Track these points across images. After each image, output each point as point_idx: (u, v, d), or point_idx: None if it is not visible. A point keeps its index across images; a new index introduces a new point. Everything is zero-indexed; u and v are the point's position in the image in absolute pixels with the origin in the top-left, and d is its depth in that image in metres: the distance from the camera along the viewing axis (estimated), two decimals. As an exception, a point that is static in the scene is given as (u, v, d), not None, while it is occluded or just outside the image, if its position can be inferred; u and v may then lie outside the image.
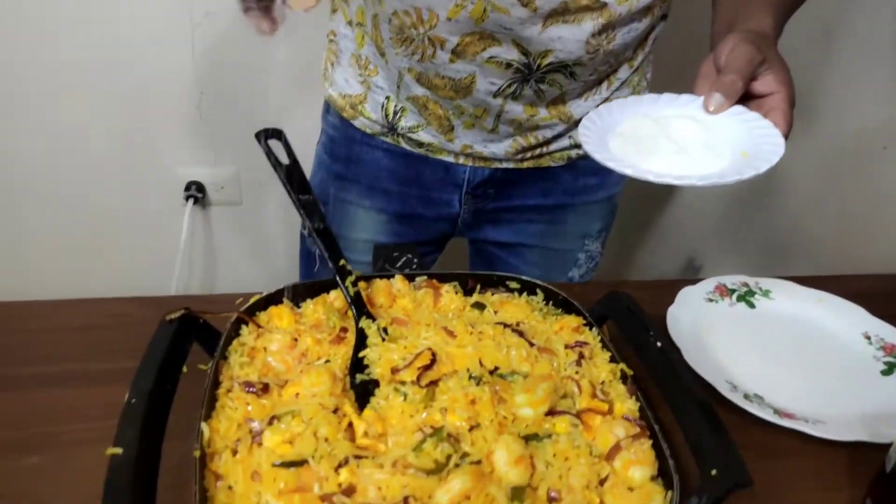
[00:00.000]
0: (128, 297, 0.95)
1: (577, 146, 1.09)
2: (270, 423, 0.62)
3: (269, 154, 0.75)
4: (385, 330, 0.74)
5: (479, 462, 0.59)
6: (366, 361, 0.70)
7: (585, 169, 1.15)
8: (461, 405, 0.63)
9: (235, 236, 1.94)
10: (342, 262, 0.77)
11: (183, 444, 0.61)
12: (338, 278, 0.76)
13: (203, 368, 0.73)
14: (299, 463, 0.58)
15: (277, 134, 0.77)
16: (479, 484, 0.56)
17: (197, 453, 0.59)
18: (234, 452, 0.60)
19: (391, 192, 1.14)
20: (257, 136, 0.76)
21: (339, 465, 0.58)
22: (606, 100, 1.04)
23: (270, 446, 0.60)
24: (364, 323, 0.74)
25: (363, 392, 0.67)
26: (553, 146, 1.09)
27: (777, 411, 0.82)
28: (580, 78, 0.97)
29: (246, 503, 0.57)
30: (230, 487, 0.58)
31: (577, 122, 1.04)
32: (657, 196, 2.07)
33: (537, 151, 1.09)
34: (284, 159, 0.78)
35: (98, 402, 0.76)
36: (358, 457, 0.59)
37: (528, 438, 0.62)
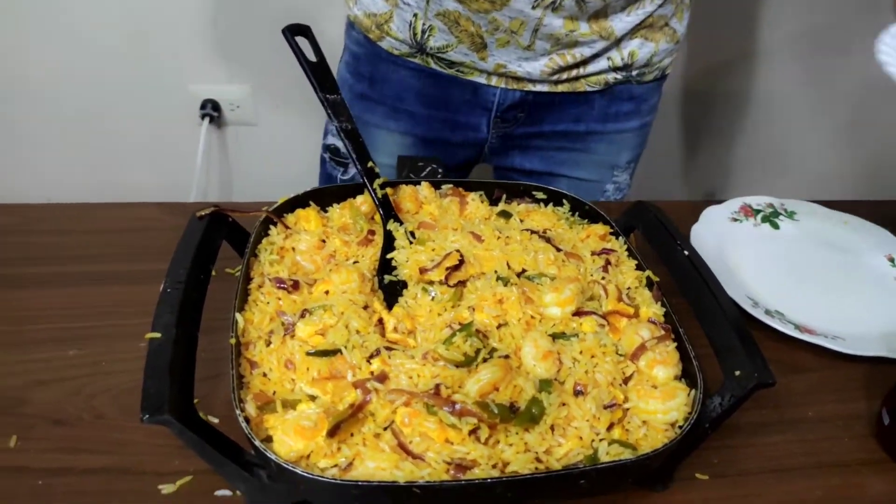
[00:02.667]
0: (154, 202, 0.96)
1: (616, 69, 1.04)
2: (302, 315, 0.63)
3: (296, 50, 0.74)
4: (412, 234, 0.74)
5: (507, 357, 0.60)
6: (393, 263, 0.71)
7: (621, 94, 1.08)
8: (489, 304, 0.64)
9: (251, 156, 1.93)
10: (370, 163, 0.77)
11: (217, 338, 0.63)
12: (365, 180, 0.76)
13: (231, 272, 0.75)
14: (332, 352, 0.60)
15: (305, 30, 0.76)
16: (507, 375, 0.57)
17: (233, 341, 0.60)
18: (268, 343, 0.62)
19: (416, 115, 1.10)
20: (284, 31, 0.74)
21: (371, 356, 0.59)
22: (649, 15, 0.99)
23: (303, 337, 0.62)
24: (392, 226, 0.74)
25: (391, 292, 0.68)
26: (590, 67, 1.03)
27: (798, 327, 0.83)
28: None
29: (280, 389, 0.59)
30: (265, 374, 0.60)
31: (618, 41, 1.00)
32: (681, 129, 2.03)
33: (574, 73, 1.03)
34: (311, 57, 0.76)
35: (133, 299, 0.79)
36: (389, 349, 0.60)
37: (555, 337, 0.63)
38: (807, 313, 0.87)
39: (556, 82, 1.05)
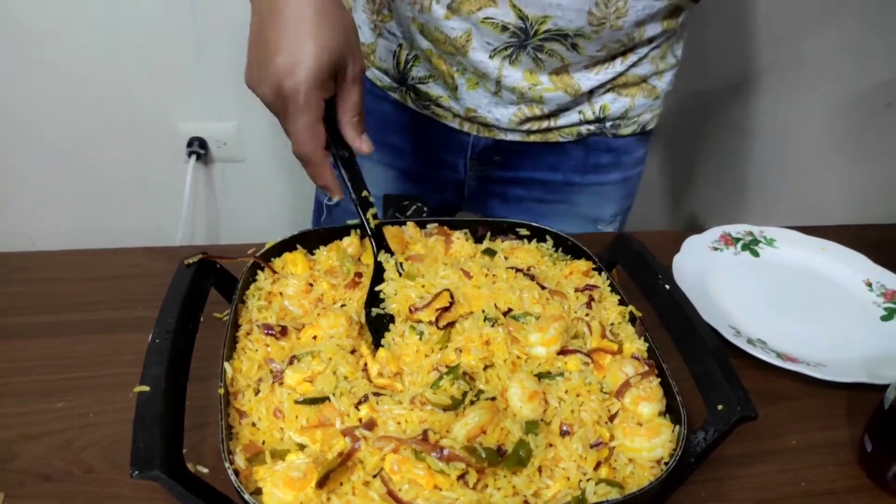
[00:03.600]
0: (141, 247, 0.97)
1: (588, 122, 1.01)
2: (291, 363, 0.64)
3: None
4: (401, 265, 0.75)
5: (493, 399, 0.61)
6: (382, 295, 0.72)
7: (597, 146, 1.05)
8: (476, 345, 0.65)
9: (239, 193, 1.94)
10: (364, 192, 0.77)
11: (205, 385, 0.63)
12: (359, 209, 0.76)
13: (219, 317, 0.75)
14: (321, 400, 0.60)
15: None
16: (494, 418, 0.58)
17: (221, 391, 0.61)
18: (256, 392, 0.62)
19: (399, 148, 1.12)
20: None
21: (359, 402, 0.60)
22: (621, 74, 0.97)
23: (292, 384, 0.62)
24: (382, 257, 0.75)
25: (378, 326, 0.69)
26: (561, 120, 1.01)
27: (780, 355, 0.84)
28: (584, 52, 0.89)
29: (270, 439, 0.59)
30: (254, 424, 0.60)
31: (588, 94, 0.98)
32: (665, 156, 2.06)
33: (544, 125, 1.01)
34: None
35: (122, 348, 0.79)
36: (377, 394, 0.61)
37: (540, 376, 0.64)
38: (789, 341, 0.88)
39: (528, 132, 1.03)
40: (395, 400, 0.59)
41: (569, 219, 1.13)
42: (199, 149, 1.81)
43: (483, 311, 0.69)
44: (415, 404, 0.59)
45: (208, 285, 0.72)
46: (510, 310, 0.71)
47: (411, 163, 1.13)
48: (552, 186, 1.11)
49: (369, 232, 0.77)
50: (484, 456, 0.53)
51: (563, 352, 0.67)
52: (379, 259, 0.75)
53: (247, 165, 1.90)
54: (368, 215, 0.77)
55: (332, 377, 0.62)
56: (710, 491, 0.68)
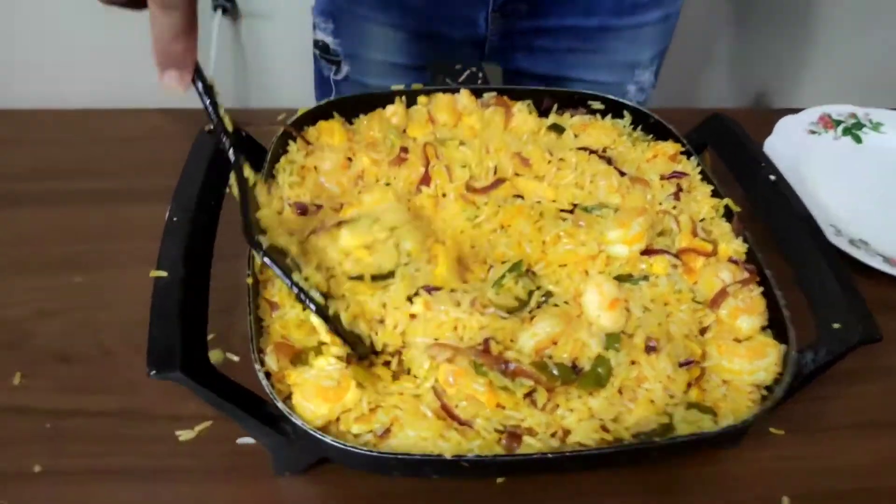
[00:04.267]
0: (156, 108, 0.86)
1: None
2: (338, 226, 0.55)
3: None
4: None
5: (565, 303, 0.52)
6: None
7: None
8: (535, 243, 0.55)
9: (269, 52, 1.79)
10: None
11: (234, 264, 0.55)
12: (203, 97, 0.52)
13: (249, 187, 0.66)
14: (381, 277, 0.51)
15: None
16: (567, 328, 0.49)
17: (250, 280, 0.52)
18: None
19: (408, 6, 0.96)
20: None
21: (413, 295, 0.51)
22: None
23: (348, 247, 0.53)
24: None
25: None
26: None
27: (886, 259, 0.73)
28: None
29: (299, 332, 0.51)
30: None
31: None
32: (719, 18, 1.81)
33: None
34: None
35: (140, 221, 0.71)
36: (432, 289, 0.51)
37: (621, 279, 0.54)
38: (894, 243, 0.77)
39: None
40: (453, 300, 0.50)
41: (603, 68, 1.01)
42: (225, 1, 1.65)
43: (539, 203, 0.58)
44: (475, 307, 0.50)
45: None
46: (574, 206, 0.60)
47: (422, 22, 0.97)
48: (585, 33, 0.97)
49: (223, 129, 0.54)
50: (556, 373, 0.45)
51: (647, 251, 0.56)
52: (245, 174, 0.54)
53: (276, 22, 1.74)
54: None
55: (393, 251, 0.53)
56: (802, 410, 0.59)
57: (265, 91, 1.86)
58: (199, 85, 0.50)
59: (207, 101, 0.52)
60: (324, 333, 0.50)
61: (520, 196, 0.62)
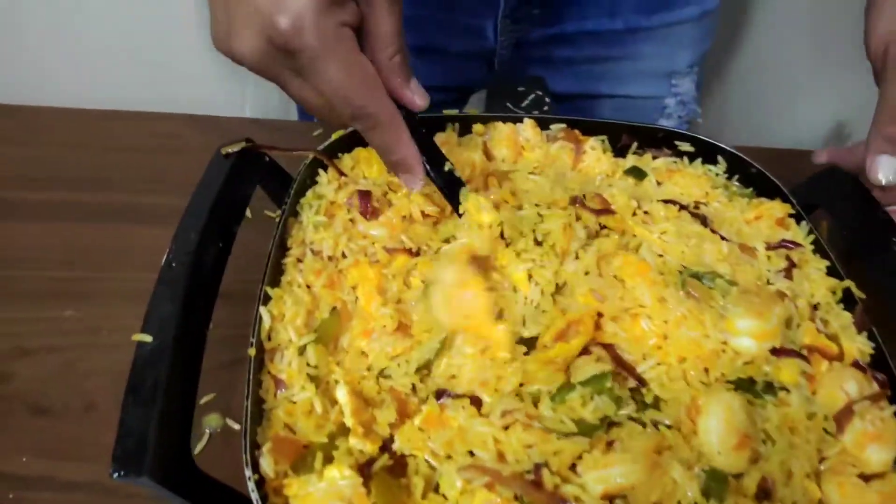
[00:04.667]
0: (181, 113, 0.78)
1: None
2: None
3: None
4: None
5: (669, 427, 0.40)
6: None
7: None
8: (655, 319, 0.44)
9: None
10: (448, 165, 0.51)
11: (244, 309, 0.46)
12: (444, 191, 0.51)
13: (272, 216, 0.56)
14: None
15: None
16: (654, 472, 0.37)
17: (252, 352, 0.43)
18: (302, 350, 0.44)
19: (404, 17, 0.83)
20: None
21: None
22: None
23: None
24: None
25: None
26: None
27: None
28: None
29: (314, 429, 0.41)
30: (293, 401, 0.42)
31: None
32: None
33: None
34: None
35: (146, 243, 0.62)
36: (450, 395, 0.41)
37: (740, 387, 0.42)
38: None
39: None
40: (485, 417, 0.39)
41: (634, 79, 0.88)
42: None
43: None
44: (508, 420, 0.39)
45: (252, 184, 0.53)
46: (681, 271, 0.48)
47: (422, 35, 0.84)
48: (609, 38, 0.84)
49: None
50: (631, 529, 0.34)
51: (776, 351, 0.44)
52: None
53: None
54: (463, 196, 0.51)
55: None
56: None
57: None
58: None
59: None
60: (348, 416, 0.40)
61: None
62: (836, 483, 0.40)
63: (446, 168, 0.51)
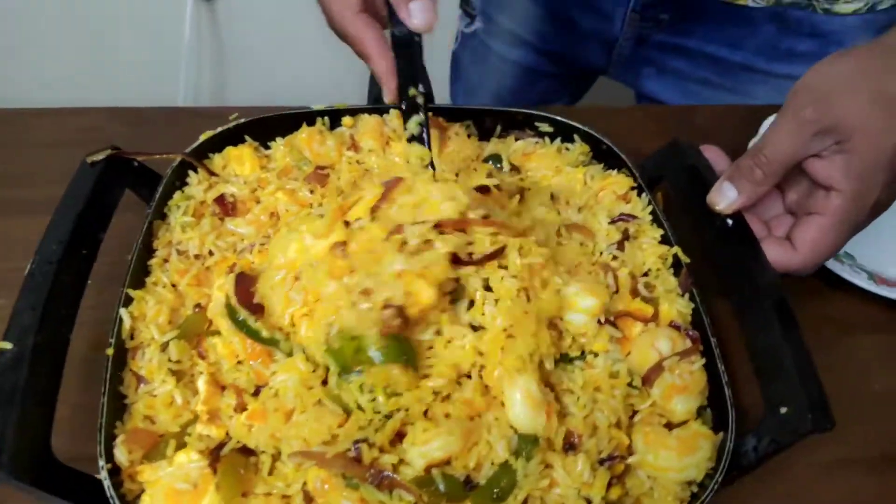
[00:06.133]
0: (103, 107, 0.77)
1: None
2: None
3: None
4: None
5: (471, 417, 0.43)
6: None
7: (799, 24, 0.79)
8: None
9: (248, 37, 1.70)
10: (412, 91, 0.57)
11: (113, 312, 0.48)
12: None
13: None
14: None
15: None
16: (468, 441, 0.41)
17: (110, 351, 0.46)
18: (164, 347, 0.47)
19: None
20: None
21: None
22: None
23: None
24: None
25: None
26: None
27: (871, 276, 0.65)
28: None
29: (172, 418, 0.45)
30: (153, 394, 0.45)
31: None
32: None
33: None
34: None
35: (23, 235, 0.62)
36: None
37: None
38: (883, 258, 0.68)
39: None
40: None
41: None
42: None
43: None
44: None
45: (120, 190, 0.56)
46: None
47: (560, 1, 0.89)
48: (725, 67, 0.86)
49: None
50: (442, 489, 0.38)
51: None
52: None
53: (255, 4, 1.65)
54: (411, 124, 0.57)
55: None
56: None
57: (245, 80, 1.78)
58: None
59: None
60: (200, 404, 0.44)
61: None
62: (643, 433, 0.45)
63: (410, 93, 0.57)
